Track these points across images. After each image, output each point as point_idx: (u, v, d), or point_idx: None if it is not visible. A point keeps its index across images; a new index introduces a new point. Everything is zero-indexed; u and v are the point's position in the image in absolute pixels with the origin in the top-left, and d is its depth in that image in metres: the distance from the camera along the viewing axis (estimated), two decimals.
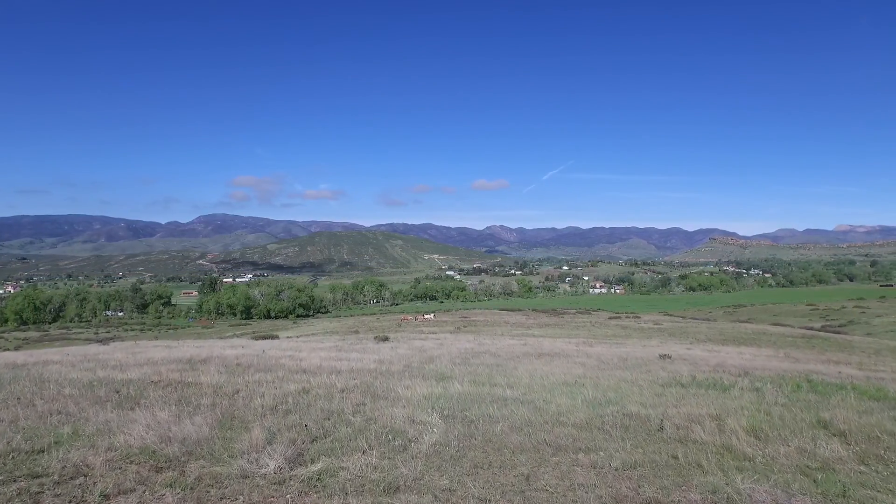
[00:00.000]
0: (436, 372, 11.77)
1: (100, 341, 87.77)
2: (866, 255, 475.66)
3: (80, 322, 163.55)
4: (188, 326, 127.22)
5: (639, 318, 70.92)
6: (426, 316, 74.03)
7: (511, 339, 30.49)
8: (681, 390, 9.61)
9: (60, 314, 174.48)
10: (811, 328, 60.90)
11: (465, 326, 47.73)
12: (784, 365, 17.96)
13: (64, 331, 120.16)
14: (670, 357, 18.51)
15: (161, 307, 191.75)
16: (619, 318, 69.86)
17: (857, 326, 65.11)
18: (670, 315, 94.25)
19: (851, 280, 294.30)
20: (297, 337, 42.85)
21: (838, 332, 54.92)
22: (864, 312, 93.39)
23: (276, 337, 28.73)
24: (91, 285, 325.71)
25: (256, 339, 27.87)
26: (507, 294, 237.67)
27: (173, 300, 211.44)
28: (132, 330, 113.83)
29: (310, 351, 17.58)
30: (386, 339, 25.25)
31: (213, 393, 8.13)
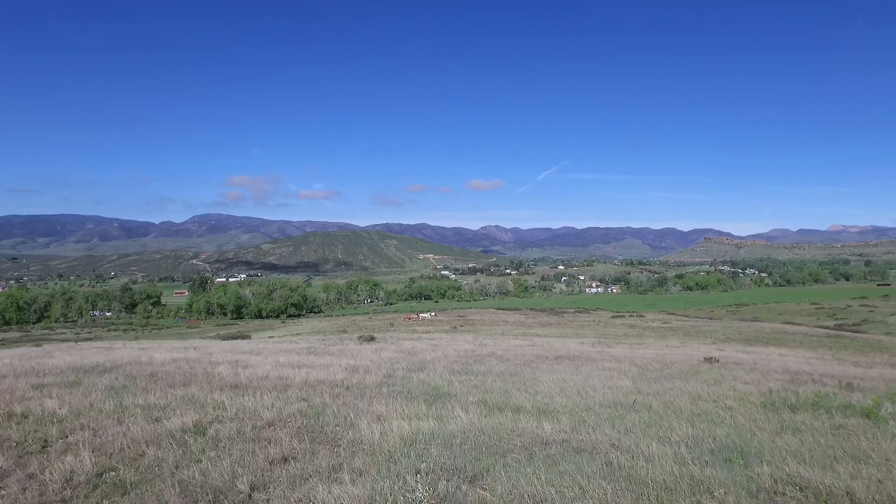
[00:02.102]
0: (427, 386, 8.26)
1: (76, 341, 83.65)
2: (860, 255, 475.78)
3: (66, 322, 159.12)
4: (175, 326, 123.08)
5: (643, 317, 67.63)
6: (423, 315, 69.64)
7: (515, 339, 26.97)
8: (811, 419, 6.15)
9: (45, 314, 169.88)
10: (827, 327, 57.78)
11: (461, 326, 44.22)
12: (865, 371, 14.48)
13: (47, 331, 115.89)
14: (717, 360, 15.03)
15: (150, 307, 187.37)
16: (623, 317, 66.53)
17: (873, 325, 62.04)
18: (674, 314, 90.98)
19: (847, 280, 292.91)
20: (277, 337, 39.19)
21: (857, 332, 51.83)
22: (872, 311, 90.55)
23: (248, 337, 25.06)
24: (82, 285, 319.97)
25: (224, 339, 24.20)
26: (503, 294, 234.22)
27: (165, 300, 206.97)
28: (115, 330, 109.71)
29: (271, 354, 14.00)
30: (372, 339, 21.68)
31: (16, 445, 4.60)
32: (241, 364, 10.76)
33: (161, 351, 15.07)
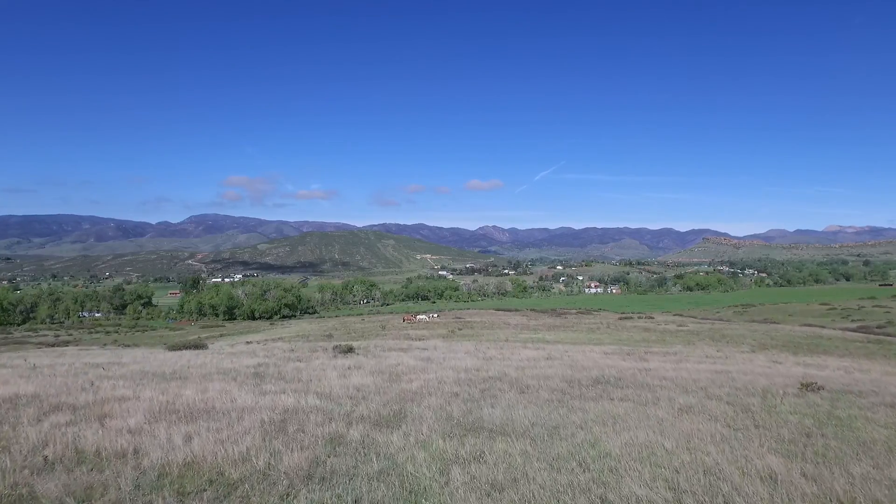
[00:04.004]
0: (392, 492, 3.99)
1: (52, 345, 79.09)
2: (858, 255, 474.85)
3: (52, 323, 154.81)
4: (162, 328, 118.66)
5: (653, 318, 63.51)
6: (420, 316, 64.61)
7: (524, 346, 22.64)
8: None
9: (32, 315, 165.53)
10: (851, 329, 53.74)
11: (459, 329, 39.97)
12: None
13: (31, 333, 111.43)
14: (820, 388, 10.73)
15: (140, 308, 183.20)
16: (631, 318, 62.38)
17: None
18: (681, 315, 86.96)
19: (848, 280, 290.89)
20: (254, 342, 34.83)
21: (890, 335, 47.83)
22: (888, 312, 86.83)
23: (204, 346, 20.71)
24: (76, 286, 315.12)
25: (173, 349, 19.87)
26: (502, 294, 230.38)
27: (158, 301, 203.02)
28: (98, 332, 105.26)
29: (188, 381, 9.73)
30: (349, 350, 17.39)
31: None
32: (92, 412, 6.50)
33: (27, 380, 10.75)
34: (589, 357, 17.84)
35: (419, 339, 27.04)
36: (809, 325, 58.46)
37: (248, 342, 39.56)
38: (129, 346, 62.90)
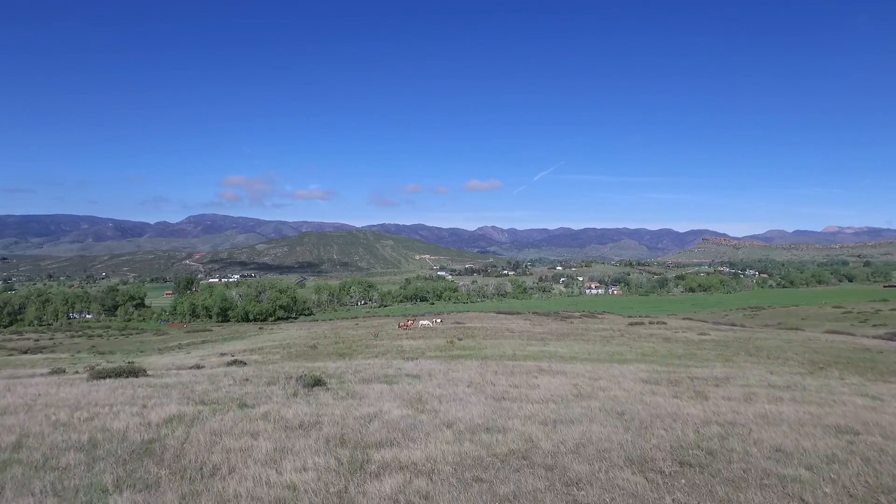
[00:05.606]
0: None
1: (25, 351, 74.42)
2: (859, 256, 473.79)
3: (40, 325, 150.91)
4: (150, 330, 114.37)
5: (665, 324, 59.35)
6: (422, 322, 58.22)
7: (539, 371, 18.42)
8: None
9: (19, 317, 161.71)
10: (884, 337, 49.56)
11: (459, 339, 35.82)
12: None
13: (14, 336, 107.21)
14: None
15: (132, 309, 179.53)
16: (643, 324, 58.22)
17: None
18: (692, 319, 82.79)
19: (850, 281, 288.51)
20: (230, 353, 30.67)
21: None
22: None
23: (139, 373, 16.45)
24: (72, 286, 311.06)
25: (96, 377, 15.69)
26: (501, 295, 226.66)
27: (153, 302, 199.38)
28: (80, 336, 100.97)
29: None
30: (317, 383, 13.22)
31: None
32: None
33: None
34: (630, 391, 13.69)
35: (412, 359, 22.77)
36: (837, 332, 54.22)
37: (221, 354, 35.38)
38: (102, 353, 58.54)
